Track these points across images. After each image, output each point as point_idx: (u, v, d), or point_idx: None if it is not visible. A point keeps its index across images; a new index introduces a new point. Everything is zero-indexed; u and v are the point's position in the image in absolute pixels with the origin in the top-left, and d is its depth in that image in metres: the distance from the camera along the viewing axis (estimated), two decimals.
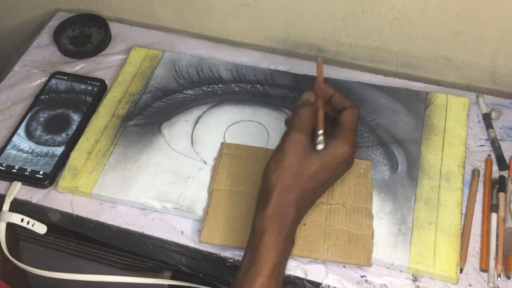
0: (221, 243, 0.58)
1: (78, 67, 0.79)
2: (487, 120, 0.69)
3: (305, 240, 0.58)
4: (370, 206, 0.60)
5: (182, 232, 0.61)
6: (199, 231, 0.61)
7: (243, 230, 0.59)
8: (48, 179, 0.65)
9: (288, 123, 0.57)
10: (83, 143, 0.68)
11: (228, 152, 0.65)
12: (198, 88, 0.73)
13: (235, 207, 0.60)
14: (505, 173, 0.64)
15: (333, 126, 0.56)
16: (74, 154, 0.67)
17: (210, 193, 0.62)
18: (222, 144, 0.67)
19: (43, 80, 0.77)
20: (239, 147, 0.66)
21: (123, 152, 0.67)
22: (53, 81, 0.75)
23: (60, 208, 0.64)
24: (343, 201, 0.60)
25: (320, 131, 0.54)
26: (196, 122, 0.70)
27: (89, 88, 0.74)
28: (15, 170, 0.66)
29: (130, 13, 0.86)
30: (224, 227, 0.59)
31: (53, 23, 0.84)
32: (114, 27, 0.83)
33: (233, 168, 0.64)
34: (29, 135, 0.69)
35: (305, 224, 0.59)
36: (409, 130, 0.67)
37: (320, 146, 0.53)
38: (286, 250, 0.51)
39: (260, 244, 0.49)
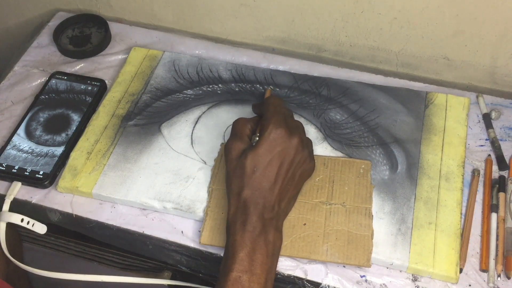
0: (221, 245, 0.58)
1: (78, 67, 0.79)
2: (487, 120, 0.69)
3: (305, 241, 0.58)
4: (369, 206, 0.60)
5: (182, 232, 0.61)
6: (199, 231, 0.61)
7: None
8: (48, 179, 0.65)
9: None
10: (83, 143, 0.68)
11: None
12: (198, 88, 0.73)
13: None
14: (505, 173, 0.64)
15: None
16: (74, 154, 0.67)
17: (210, 193, 0.62)
18: (222, 144, 0.66)
19: (43, 80, 0.77)
20: None
21: (123, 152, 0.67)
22: (53, 81, 0.75)
23: (60, 208, 0.64)
24: (342, 201, 0.60)
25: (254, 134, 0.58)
26: (196, 122, 0.70)
27: (89, 88, 0.74)
28: (15, 170, 0.66)
29: (130, 13, 0.86)
30: (224, 228, 0.59)
31: (53, 23, 0.84)
32: (114, 27, 0.83)
33: None
34: (29, 135, 0.69)
35: (304, 224, 0.59)
36: (409, 130, 0.67)
37: (255, 142, 0.56)
38: (254, 244, 0.52)
39: (228, 244, 0.53)
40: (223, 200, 0.61)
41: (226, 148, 0.58)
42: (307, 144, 0.59)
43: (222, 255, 0.59)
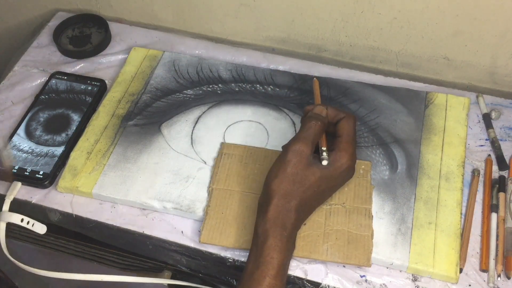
0: (221, 244, 0.58)
1: (78, 67, 0.79)
2: (487, 120, 0.69)
3: (305, 240, 0.58)
4: (369, 206, 0.60)
5: (182, 232, 0.61)
6: (199, 231, 0.61)
7: (243, 230, 0.59)
8: (48, 179, 0.65)
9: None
10: (83, 143, 0.68)
11: (227, 152, 0.65)
12: (198, 88, 0.73)
13: (235, 207, 0.60)
14: (505, 173, 0.64)
15: (332, 139, 0.58)
16: (74, 154, 0.67)
17: (210, 192, 0.62)
18: (222, 144, 0.67)
19: (43, 80, 0.77)
20: (239, 147, 0.66)
21: (123, 152, 0.67)
22: (53, 81, 0.75)
23: (60, 208, 0.64)
24: (342, 201, 0.60)
25: (324, 148, 0.57)
26: (196, 122, 0.70)
27: (89, 88, 0.74)
28: (15, 170, 0.66)
29: (130, 13, 0.86)
30: (224, 227, 0.59)
31: (53, 23, 0.84)
32: (114, 27, 0.83)
33: (233, 168, 0.64)
34: (29, 135, 0.69)
35: (305, 224, 0.59)
36: (409, 130, 0.67)
37: (325, 162, 0.55)
38: (288, 252, 0.52)
39: (264, 246, 0.51)
40: (223, 200, 0.61)
41: (293, 149, 0.55)
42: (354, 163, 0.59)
43: (222, 255, 0.59)
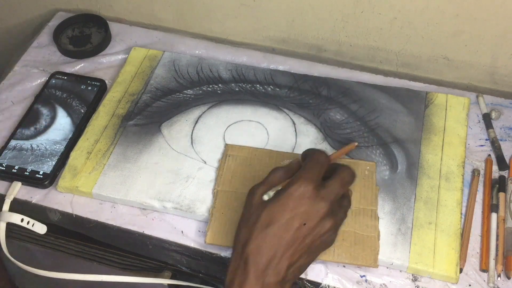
0: (226, 244, 0.58)
1: (78, 67, 0.79)
2: (487, 120, 0.69)
3: None
4: (375, 207, 0.60)
5: (182, 232, 0.61)
6: (199, 231, 0.61)
7: None
8: (48, 179, 0.65)
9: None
10: (83, 143, 0.68)
11: (232, 154, 0.65)
12: (198, 88, 0.73)
13: (240, 208, 0.58)
14: (505, 173, 0.64)
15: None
16: (74, 154, 0.67)
17: (215, 194, 0.62)
18: (226, 145, 0.66)
19: (43, 80, 0.77)
20: (244, 149, 0.65)
21: (123, 152, 0.67)
22: (53, 81, 0.75)
23: (60, 208, 0.64)
24: None
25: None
26: (196, 122, 0.70)
27: (89, 88, 0.74)
28: (15, 170, 0.66)
29: (130, 13, 0.86)
30: (230, 228, 0.59)
31: (53, 23, 0.84)
32: (114, 27, 0.83)
33: (238, 169, 0.63)
34: (29, 135, 0.69)
35: None
36: (409, 130, 0.67)
37: (265, 197, 0.51)
38: None
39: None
40: (228, 201, 0.61)
41: (249, 191, 0.52)
42: (336, 214, 0.50)
43: (222, 255, 0.59)
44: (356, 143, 0.57)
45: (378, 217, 0.59)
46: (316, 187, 0.49)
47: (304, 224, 0.48)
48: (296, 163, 0.54)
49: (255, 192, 0.52)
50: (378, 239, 0.57)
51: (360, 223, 0.58)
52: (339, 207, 0.52)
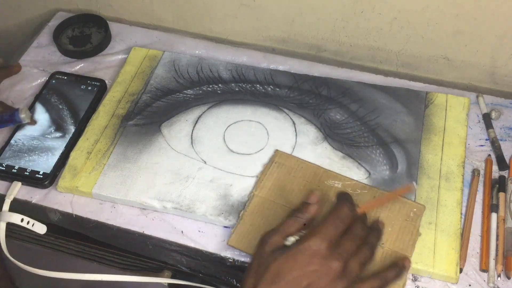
0: (247, 251, 0.57)
1: (78, 67, 0.79)
2: (487, 120, 0.69)
3: None
4: (410, 255, 0.55)
5: (182, 232, 0.61)
6: (199, 231, 0.61)
7: None
8: (48, 179, 0.65)
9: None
10: (83, 143, 0.68)
11: (279, 161, 0.63)
12: (198, 88, 0.73)
13: (271, 218, 0.58)
14: (505, 173, 0.64)
15: None
16: (74, 154, 0.67)
17: (250, 198, 0.60)
18: (276, 151, 0.65)
19: (43, 80, 0.77)
20: (292, 158, 0.64)
21: (123, 151, 0.67)
22: (53, 81, 0.75)
23: (60, 208, 0.64)
24: (382, 241, 0.55)
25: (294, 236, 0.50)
26: (196, 122, 0.70)
27: (89, 88, 0.74)
28: (15, 170, 0.66)
29: (130, 13, 0.86)
30: (255, 235, 0.56)
31: (53, 23, 0.84)
32: (114, 27, 0.83)
33: (280, 178, 0.62)
34: (29, 135, 0.69)
35: None
36: (409, 130, 0.67)
37: (287, 242, 0.49)
38: None
39: None
40: (261, 209, 0.59)
41: (261, 238, 0.50)
42: (349, 276, 0.47)
43: (222, 255, 0.59)
44: (398, 195, 0.53)
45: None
46: (330, 246, 0.46)
47: (311, 284, 0.46)
48: (314, 209, 0.51)
49: (267, 240, 0.49)
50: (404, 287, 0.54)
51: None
52: (357, 263, 0.48)
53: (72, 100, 0.73)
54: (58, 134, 0.69)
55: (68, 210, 0.63)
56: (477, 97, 0.71)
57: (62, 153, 0.67)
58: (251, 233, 0.58)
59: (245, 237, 0.58)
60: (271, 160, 0.64)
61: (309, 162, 0.64)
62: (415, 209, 0.58)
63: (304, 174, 0.62)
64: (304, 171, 0.62)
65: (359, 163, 0.64)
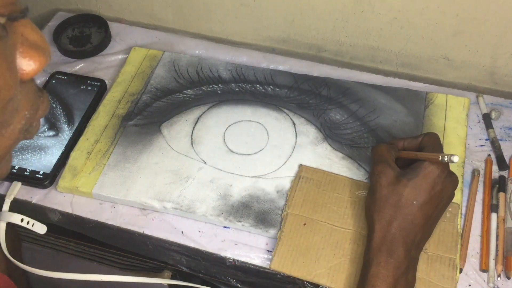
0: (292, 273, 0.56)
1: (78, 67, 0.79)
2: (487, 120, 0.69)
3: None
4: (454, 256, 0.55)
5: (182, 232, 0.61)
6: (199, 231, 0.61)
7: (317, 262, 0.56)
8: (48, 179, 0.65)
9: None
10: (83, 143, 0.68)
11: (305, 175, 0.63)
12: (198, 88, 0.73)
13: (309, 236, 0.58)
14: (505, 173, 0.64)
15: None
16: (74, 154, 0.67)
17: (285, 217, 0.59)
18: (300, 166, 0.64)
19: (43, 80, 0.77)
20: (318, 172, 0.63)
21: (123, 152, 0.67)
22: (53, 81, 0.75)
23: (60, 208, 0.64)
24: (425, 247, 0.55)
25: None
26: (196, 122, 0.70)
27: (89, 88, 0.74)
28: (15, 170, 0.66)
29: (130, 13, 0.86)
30: (297, 256, 0.56)
31: (53, 23, 0.84)
32: (114, 27, 0.83)
33: (310, 193, 0.61)
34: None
35: None
36: (409, 130, 0.67)
37: (446, 158, 0.51)
38: (395, 282, 0.50)
39: (368, 275, 0.50)
40: (297, 227, 0.58)
41: (375, 173, 0.55)
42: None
43: (222, 255, 0.59)
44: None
45: (457, 267, 0.55)
46: (448, 166, 0.54)
47: (440, 201, 0.53)
48: (398, 141, 0.59)
49: (381, 172, 0.55)
50: None
51: (436, 272, 0.54)
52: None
53: (72, 100, 0.73)
54: (58, 134, 0.69)
55: (68, 210, 0.63)
56: (477, 97, 0.71)
57: (62, 153, 0.67)
58: (292, 254, 0.57)
59: (288, 259, 0.57)
60: (298, 176, 0.63)
61: (336, 174, 0.63)
62: (450, 209, 0.59)
63: (333, 187, 0.62)
64: (333, 184, 0.62)
65: (359, 164, 0.64)
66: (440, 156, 0.51)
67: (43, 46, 0.33)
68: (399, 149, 0.59)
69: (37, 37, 0.33)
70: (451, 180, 0.54)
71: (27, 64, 0.33)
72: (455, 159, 0.50)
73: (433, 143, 0.57)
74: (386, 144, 0.59)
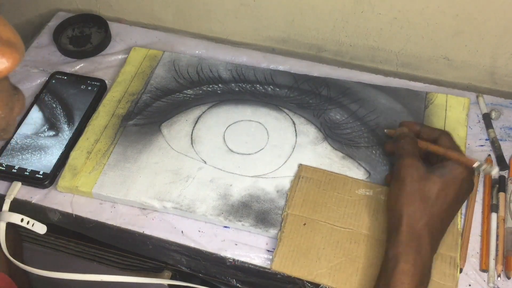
0: (293, 274, 0.56)
1: (78, 67, 0.79)
2: (487, 120, 0.69)
3: None
4: (455, 254, 0.56)
5: (182, 232, 0.61)
6: (199, 231, 0.61)
7: (318, 262, 0.56)
8: (48, 179, 0.65)
9: (394, 151, 0.59)
10: (83, 143, 0.68)
11: (305, 175, 0.62)
12: (198, 88, 0.73)
13: (310, 236, 0.58)
14: (505, 173, 0.64)
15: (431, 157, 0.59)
16: (74, 154, 0.67)
17: (285, 217, 0.59)
18: (300, 165, 0.64)
19: (43, 80, 0.77)
20: (317, 171, 0.63)
21: (123, 151, 0.67)
22: (53, 81, 0.75)
23: (60, 208, 0.64)
24: None
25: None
26: (196, 122, 0.70)
27: (89, 88, 0.74)
28: (15, 170, 0.66)
29: (130, 13, 0.86)
30: (297, 256, 0.56)
31: (53, 23, 0.84)
32: (114, 27, 0.83)
33: (310, 193, 0.61)
34: (29, 135, 0.69)
35: None
36: None
37: (477, 164, 0.53)
38: (422, 280, 0.49)
39: (395, 271, 0.49)
40: (298, 227, 0.58)
41: (405, 166, 0.55)
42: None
43: (222, 255, 0.59)
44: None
45: (458, 266, 0.55)
46: (473, 170, 0.55)
47: (460, 201, 0.55)
48: (405, 129, 0.60)
49: (412, 165, 0.54)
50: None
51: (437, 270, 0.54)
52: None
53: (72, 100, 0.73)
54: (58, 134, 0.69)
55: (68, 210, 0.63)
56: (477, 97, 0.71)
57: (62, 153, 0.67)
58: (293, 254, 0.57)
59: (288, 259, 0.56)
60: (297, 175, 0.63)
61: (336, 173, 0.63)
62: None
63: (333, 186, 0.61)
64: (333, 183, 0.62)
65: (359, 163, 0.64)
66: (477, 164, 0.53)
67: (16, 42, 0.33)
68: (415, 133, 0.60)
69: (10, 33, 0.32)
70: (472, 185, 0.56)
71: (0, 62, 0.32)
72: (495, 171, 0.52)
73: (454, 145, 0.57)
74: (410, 137, 0.58)
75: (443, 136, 0.58)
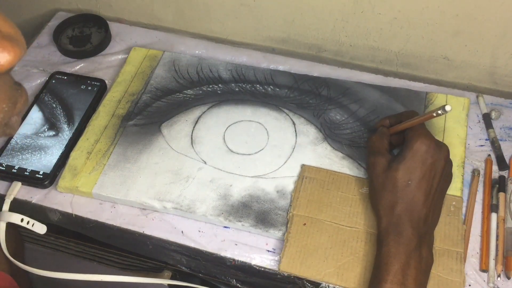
0: (301, 274, 0.56)
1: (78, 67, 0.79)
2: (487, 120, 0.69)
3: None
4: (461, 250, 0.56)
5: (182, 232, 0.61)
6: (199, 231, 0.61)
7: (325, 262, 0.56)
8: (48, 179, 0.65)
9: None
10: (83, 143, 0.68)
11: (309, 175, 0.63)
12: (198, 88, 0.73)
13: (316, 236, 0.58)
14: (505, 173, 0.64)
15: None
16: (74, 154, 0.67)
17: (290, 218, 0.59)
18: (303, 165, 0.64)
19: (43, 80, 0.77)
20: (321, 171, 0.63)
21: (123, 152, 0.67)
22: (53, 81, 0.75)
23: (60, 208, 0.64)
24: None
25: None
26: (196, 122, 0.70)
27: (89, 88, 0.74)
28: (15, 170, 0.66)
29: (130, 13, 0.86)
30: (305, 256, 0.57)
31: (53, 23, 0.84)
32: (114, 27, 0.83)
33: (314, 193, 0.61)
34: (29, 135, 0.69)
35: None
36: None
37: (447, 107, 0.51)
38: (409, 258, 0.51)
39: (381, 254, 0.52)
40: (304, 227, 0.58)
41: (369, 165, 0.58)
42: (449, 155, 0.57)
43: (222, 255, 0.59)
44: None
45: (464, 261, 0.56)
46: (434, 139, 0.56)
47: (435, 173, 0.55)
48: (383, 121, 0.62)
49: (374, 162, 0.57)
50: (464, 285, 0.54)
51: (444, 266, 0.55)
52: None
53: (72, 100, 0.73)
54: (58, 134, 0.69)
55: (68, 210, 0.63)
56: (477, 97, 0.71)
57: (62, 153, 0.67)
58: (300, 255, 0.57)
59: (296, 260, 0.56)
60: (301, 176, 0.63)
61: (339, 172, 0.63)
62: (454, 202, 0.60)
63: (337, 186, 0.62)
64: (337, 182, 0.62)
65: (359, 163, 0.64)
66: (435, 113, 0.52)
67: (17, 37, 0.33)
68: (387, 126, 0.61)
69: (10, 28, 0.33)
70: (440, 150, 0.55)
71: (1, 56, 0.32)
72: (448, 108, 0.51)
73: (415, 114, 0.59)
74: (377, 134, 0.60)
75: (405, 113, 0.60)
